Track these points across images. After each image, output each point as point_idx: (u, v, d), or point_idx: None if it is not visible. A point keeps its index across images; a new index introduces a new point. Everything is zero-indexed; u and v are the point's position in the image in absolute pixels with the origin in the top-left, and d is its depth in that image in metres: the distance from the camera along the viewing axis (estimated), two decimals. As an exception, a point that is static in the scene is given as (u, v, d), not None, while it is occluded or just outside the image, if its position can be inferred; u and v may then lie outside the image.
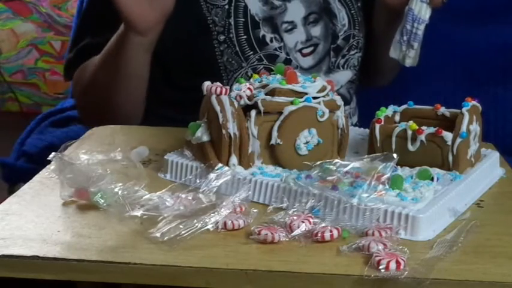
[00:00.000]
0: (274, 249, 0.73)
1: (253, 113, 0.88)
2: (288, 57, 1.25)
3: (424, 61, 1.66)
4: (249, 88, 0.90)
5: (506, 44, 1.62)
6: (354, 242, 0.73)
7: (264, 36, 1.23)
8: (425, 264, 0.69)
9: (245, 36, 1.23)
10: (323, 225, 0.75)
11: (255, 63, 1.23)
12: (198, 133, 0.89)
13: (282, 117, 0.88)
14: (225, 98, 0.87)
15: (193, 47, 1.23)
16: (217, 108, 0.87)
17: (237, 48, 1.22)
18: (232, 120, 0.86)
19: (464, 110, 0.90)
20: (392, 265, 0.68)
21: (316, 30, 1.27)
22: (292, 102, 0.88)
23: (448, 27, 1.62)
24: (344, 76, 1.31)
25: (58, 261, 0.71)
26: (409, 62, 1.14)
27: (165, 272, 0.70)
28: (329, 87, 0.92)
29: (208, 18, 1.22)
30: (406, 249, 0.71)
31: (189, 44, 1.21)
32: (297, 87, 0.89)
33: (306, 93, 0.89)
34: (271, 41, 1.24)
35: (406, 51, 1.13)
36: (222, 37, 1.22)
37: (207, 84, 0.90)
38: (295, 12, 1.26)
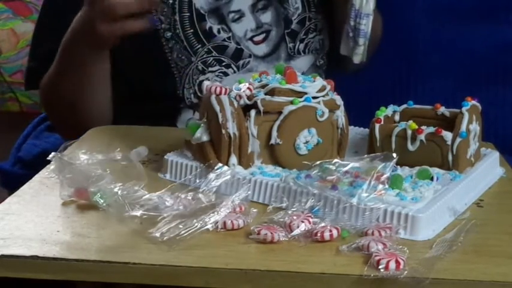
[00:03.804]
0: (273, 249, 0.73)
1: (252, 112, 0.88)
2: (239, 46, 1.24)
3: (424, 60, 1.66)
4: (248, 88, 0.90)
5: (506, 44, 1.62)
6: (353, 242, 0.73)
7: (210, 28, 1.23)
8: (425, 264, 0.69)
9: (191, 30, 1.22)
10: (322, 224, 0.75)
11: (204, 56, 1.22)
12: (198, 133, 0.89)
13: (281, 117, 0.88)
14: (224, 98, 0.87)
15: (142, 47, 1.22)
16: (217, 108, 0.87)
17: (185, 43, 1.22)
18: (232, 120, 0.86)
19: (464, 109, 0.90)
20: (392, 265, 0.68)
21: (267, 17, 1.26)
22: (291, 102, 0.88)
23: (448, 26, 1.62)
24: (305, 61, 1.30)
25: (58, 261, 0.71)
26: (357, 59, 1.11)
27: (164, 272, 0.70)
28: (329, 86, 0.92)
29: (155, 17, 1.21)
30: (405, 248, 0.71)
31: (137, 44, 1.19)
32: (296, 87, 0.89)
33: (306, 93, 0.89)
34: (218, 32, 1.23)
35: (353, 48, 1.11)
36: (168, 34, 1.22)
37: (206, 84, 0.90)
38: (242, 0, 1.25)
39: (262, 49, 1.26)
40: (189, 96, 1.23)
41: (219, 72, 1.23)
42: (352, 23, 1.08)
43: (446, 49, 1.63)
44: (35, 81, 1.29)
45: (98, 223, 0.79)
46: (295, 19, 1.29)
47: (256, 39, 1.25)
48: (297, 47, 1.28)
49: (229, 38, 1.23)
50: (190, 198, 0.81)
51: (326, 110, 0.89)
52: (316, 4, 1.32)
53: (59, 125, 1.35)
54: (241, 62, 1.24)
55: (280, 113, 0.88)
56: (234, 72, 1.24)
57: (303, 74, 1.25)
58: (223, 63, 1.23)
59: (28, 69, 1.33)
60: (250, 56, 1.25)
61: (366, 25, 1.08)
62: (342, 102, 0.92)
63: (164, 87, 1.22)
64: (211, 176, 0.84)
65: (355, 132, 1.06)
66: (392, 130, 0.91)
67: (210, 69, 1.23)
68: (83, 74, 1.18)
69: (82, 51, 1.15)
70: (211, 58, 1.23)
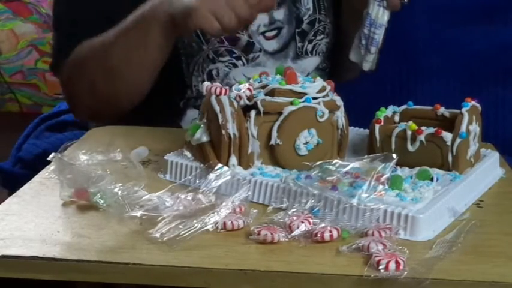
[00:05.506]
0: (273, 249, 0.73)
1: (252, 113, 0.88)
2: (251, 40, 1.25)
3: (424, 61, 1.66)
4: (248, 88, 0.90)
5: (507, 44, 1.63)
6: (353, 242, 0.73)
7: None
8: (425, 264, 0.69)
9: None
10: (322, 225, 0.75)
11: (216, 46, 1.23)
12: (198, 134, 0.89)
13: (281, 118, 0.88)
14: (224, 99, 0.87)
15: None
16: (217, 108, 0.87)
17: (198, 31, 1.21)
18: (232, 120, 0.86)
19: (463, 110, 0.90)
20: (392, 265, 0.68)
21: (280, 14, 1.27)
22: (291, 103, 0.88)
23: (448, 27, 1.62)
24: (312, 62, 1.31)
25: (57, 262, 0.71)
26: (367, 66, 1.13)
27: (164, 272, 0.70)
28: (329, 87, 0.92)
29: None
30: (405, 249, 0.71)
31: None
32: (296, 88, 0.89)
33: (306, 94, 0.89)
34: None
35: (364, 56, 1.12)
36: None
37: (206, 84, 0.90)
38: None
39: (272, 45, 1.27)
40: (197, 84, 1.23)
41: (229, 63, 1.24)
42: (366, 31, 1.10)
43: (446, 50, 1.63)
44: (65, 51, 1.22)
45: (98, 224, 0.79)
46: (306, 19, 1.30)
47: (268, 34, 1.26)
48: (305, 47, 1.30)
49: (242, 30, 1.24)
50: (190, 198, 0.81)
51: (326, 111, 0.89)
52: (326, 8, 1.33)
53: (85, 93, 1.23)
54: (251, 56, 1.25)
55: (280, 113, 0.88)
56: (243, 64, 1.25)
57: (308, 75, 1.26)
58: (234, 55, 1.24)
59: (56, 52, 1.26)
60: (260, 51, 1.26)
61: (379, 35, 1.10)
62: (342, 103, 0.92)
63: (171, 72, 1.21)
64: (211, 176, 0.84)
65: (355, 132, 1.06)
66: (392, 131, 0.91)
67: (221, 59, 1.23)
68: (147, 52, 1.14)
69: (160, 31, 1.11)
70: (223, 48, 1.23)
